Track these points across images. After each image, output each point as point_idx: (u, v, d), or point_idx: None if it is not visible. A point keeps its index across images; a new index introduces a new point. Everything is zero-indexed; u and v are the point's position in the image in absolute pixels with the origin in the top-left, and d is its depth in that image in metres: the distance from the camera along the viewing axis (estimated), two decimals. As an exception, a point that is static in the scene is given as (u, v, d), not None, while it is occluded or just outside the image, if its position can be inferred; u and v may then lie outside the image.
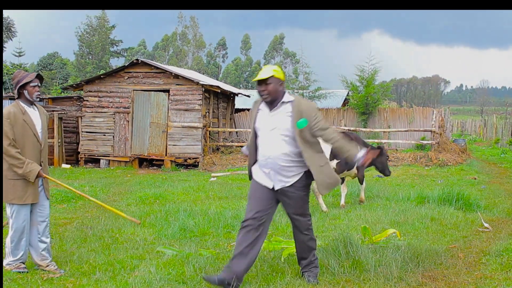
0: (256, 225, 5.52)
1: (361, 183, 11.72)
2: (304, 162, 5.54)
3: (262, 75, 5.42)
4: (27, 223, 6.42)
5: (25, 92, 6.40)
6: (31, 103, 6.47)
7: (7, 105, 22.97)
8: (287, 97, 5.55)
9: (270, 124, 5.53)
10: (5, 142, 6.18)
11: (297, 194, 5.61)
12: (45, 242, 6.58)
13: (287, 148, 5.50)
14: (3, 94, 25.94)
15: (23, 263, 6.46)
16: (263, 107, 5.65)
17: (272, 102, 5.54)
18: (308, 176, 5.66)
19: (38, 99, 6.49)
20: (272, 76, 5.42)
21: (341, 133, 11.77)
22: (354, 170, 11.52)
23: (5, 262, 6.42)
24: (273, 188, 5.62)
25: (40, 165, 6.41)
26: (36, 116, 6.49)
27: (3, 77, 41.45)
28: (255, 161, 5.77)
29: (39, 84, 6.50)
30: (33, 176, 6.19)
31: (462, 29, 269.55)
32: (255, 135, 5.71)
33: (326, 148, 11.10)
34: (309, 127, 5.46)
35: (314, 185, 11.13)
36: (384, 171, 12.13)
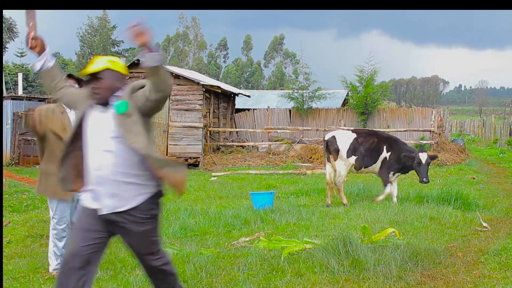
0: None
1: (385, 185, 11.51)
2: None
3: (93, 67, 4.11)
4: (68, 227, 6.36)
5: None
6: None
7: (9, 106, 22.80)
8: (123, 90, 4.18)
9: (103, 125, 4.12)
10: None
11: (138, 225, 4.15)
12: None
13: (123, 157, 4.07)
14: (5, 94, 25.92)
15: None
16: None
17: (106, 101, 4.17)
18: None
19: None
20: (108, 68, 4.13)
21: (373, 132, 12.01)
22: (375, 168, 11.60)
23: (51, 268, 6.34)
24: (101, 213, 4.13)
25: None
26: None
27: (5, 77, 41.42)
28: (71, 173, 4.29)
29: (73, 84, 6.27)
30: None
31: (460, 30, 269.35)
32: (77, 138, 4.23)
33: (345, 144, 11.37)
34: (141, 99, 4.02)
35: (330, 176, 11.52)
36: (419, 176, 11.33)
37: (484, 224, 8.84)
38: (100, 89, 4.09)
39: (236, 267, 6.21)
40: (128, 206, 4.08)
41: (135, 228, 4.12)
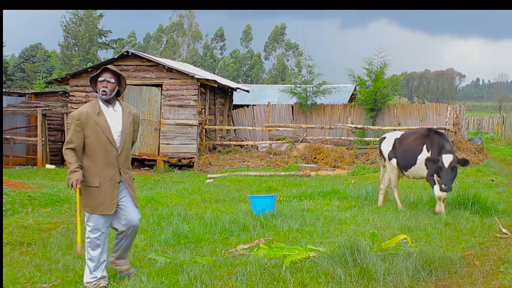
0: None
1: (432, 187, 10.76)
2: None
3: None
4: (103, 236, 6.28)
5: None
6: (109, 102, 6.32)
7: (7, 102, 22.71)
8: None
9: None
10: (65, 145, 6.18)
11: None
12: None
13: None
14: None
15: (103, 280, 6.28)
16: None
17: None
18: None
19: (104, 96, 6.25)
20: None
21: (420, 130, 11.60)
22: (418, 171, 10.99)
23: (85, 280, 6.26)
24: None
25: (119, 173, 6.28)
26: (114, 117, 6.32)
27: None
28: None
29: (109, 79, 6.27)
30: (69, 184, 6.09)
31: (475, 18, 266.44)
32: None
33: (387, 146, 11.40)
34: None
35: (384, 176, 11.71)
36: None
37: (504, 230, 8.84)
38: None
39: (234, 277, 6.21)
40: None
41: None
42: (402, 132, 11.82)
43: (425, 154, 10.72)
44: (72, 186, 6.05)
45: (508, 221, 9.86)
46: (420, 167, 10.85)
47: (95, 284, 6.18)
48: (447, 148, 10.55)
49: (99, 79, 6.28)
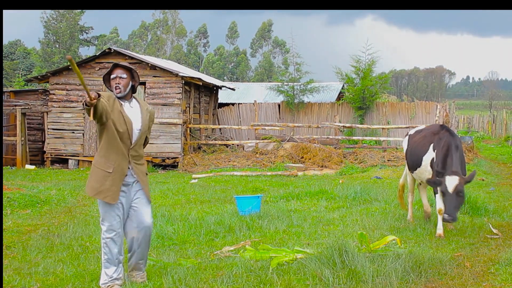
0: None
1: (434, 194, 9.45)
2: None
3: None
4: (118, 236, 6.19)
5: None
6: (125, 98, 6.25)
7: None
8: None
9: None
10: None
11: None
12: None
13: None
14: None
15: (118, 280, 6.18)
16: None
17: None
18: None
19: (119, 93, 6.17)
20: None
21: (433, 125, 10.34)
22: (423, 173, 9.50)
23: (100, 282, 6.20)
24: None
25: (128, 167, 6.20)
26: (133, 113, 6.26)
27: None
28: None
29: (121, 75, 6.17)
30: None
31: (463, 13, 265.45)
32: None
33: (405, 143, 10.44)
34: None
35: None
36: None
37: (495, 231, 8.89)
38: None
39: (220, 279, 6.20)
40: None
41: None
42: (419, 128, 10.52)
43: (430, 154, 9.28)
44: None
45: (498, 221, 9.91)
46: (425, 169, 9.40)
47: (109, 285, 6.14)
48: (454, 152, 8.87)
49: (111, 76, 6.22)
